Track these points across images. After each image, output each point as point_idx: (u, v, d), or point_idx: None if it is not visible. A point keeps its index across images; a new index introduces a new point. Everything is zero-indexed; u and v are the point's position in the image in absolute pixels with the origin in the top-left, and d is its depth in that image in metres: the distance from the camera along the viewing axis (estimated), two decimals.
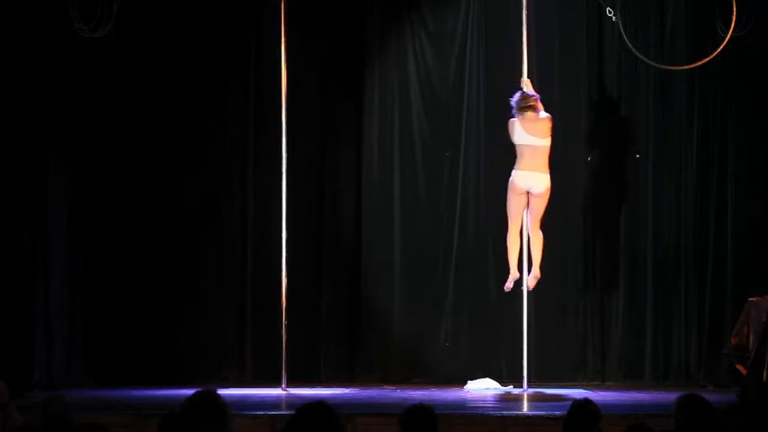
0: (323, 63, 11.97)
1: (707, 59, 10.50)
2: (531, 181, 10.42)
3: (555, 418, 7.83)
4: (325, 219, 11.95)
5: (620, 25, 10.76)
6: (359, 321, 11.92)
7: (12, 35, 10.65)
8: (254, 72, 11.89)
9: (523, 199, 10.45)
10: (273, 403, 9.85)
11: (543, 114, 10.44)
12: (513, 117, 10.44)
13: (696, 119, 11.38)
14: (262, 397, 10.07)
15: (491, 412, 8.97)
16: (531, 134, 10.39)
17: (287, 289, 10.82)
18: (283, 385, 10.65)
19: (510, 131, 10.45)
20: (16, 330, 10.68)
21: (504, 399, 10.22)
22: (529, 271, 10.52)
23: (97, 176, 11.48)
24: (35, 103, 10.87)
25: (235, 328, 11.84)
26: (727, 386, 10.63)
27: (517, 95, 10.45)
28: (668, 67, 11.05)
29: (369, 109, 12.00)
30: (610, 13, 10.87)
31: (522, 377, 10.48)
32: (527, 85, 10.53)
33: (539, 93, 10.92)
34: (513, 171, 10.43)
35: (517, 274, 10.49)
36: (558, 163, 11.55)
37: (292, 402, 9.66)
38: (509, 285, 10.53)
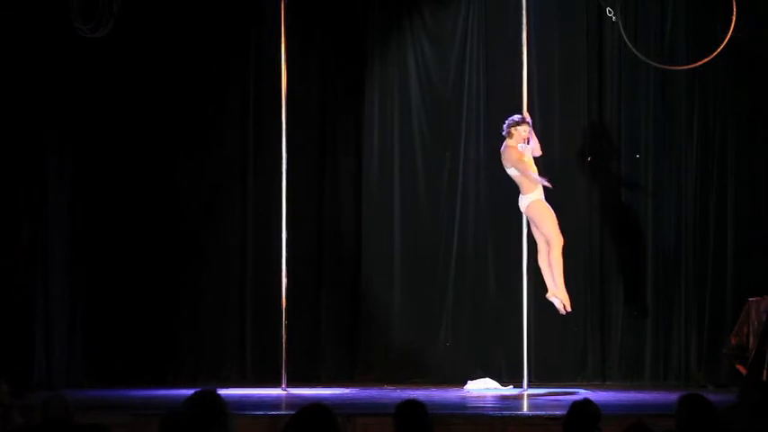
0: (323, 63, 11.99)
1: (707, 59, 10.50)
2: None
3: (555, 418, 7.83)
4: (325, 219, 11.95)
5: (620, 25, 10.76)
6: (359, 321, 11.93)
7: (12, 35, 10.65)
8: (254, 72, 11.90)
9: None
10: (273, 403, 9.86)
11: (505, 143, 10.40)
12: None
13: (696, 119, 11.38)
14: (262, 397, 10.07)
15: (491, 412, 8.97)
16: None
17: (287, 289, 10.82)
18: (283, 385, 10.65)
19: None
20: (16, 331, 10.68)
21: (504, 399, 10.22)
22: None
23: (97, 176, 11.49)
24: (35, 104, 10.88)
25: (235, 328, 11.85)
26: (727, 386, 10.63)
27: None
28: (668, 67, 11.05)
29: (369, 109, 12.01)
30: (610, 13, 10.87)
31: (522, 377, 10.48)
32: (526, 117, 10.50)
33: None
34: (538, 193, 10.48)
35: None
36: (558, 163, 11.58)
37: (292, 402, 9.66)
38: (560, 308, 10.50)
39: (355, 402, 9.67)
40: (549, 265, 10.32)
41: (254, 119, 11.91)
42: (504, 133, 10.35)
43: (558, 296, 10.32)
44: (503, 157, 10.34)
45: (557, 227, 10.27)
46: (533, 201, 10.29)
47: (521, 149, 10.34)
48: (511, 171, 10.30)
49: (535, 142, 10.46)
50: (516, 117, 10.38)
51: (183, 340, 11.76)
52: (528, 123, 10.40)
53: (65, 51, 10.88)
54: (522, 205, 10.37)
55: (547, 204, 10.30)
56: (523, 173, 10.22)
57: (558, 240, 10.27)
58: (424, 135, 11.95)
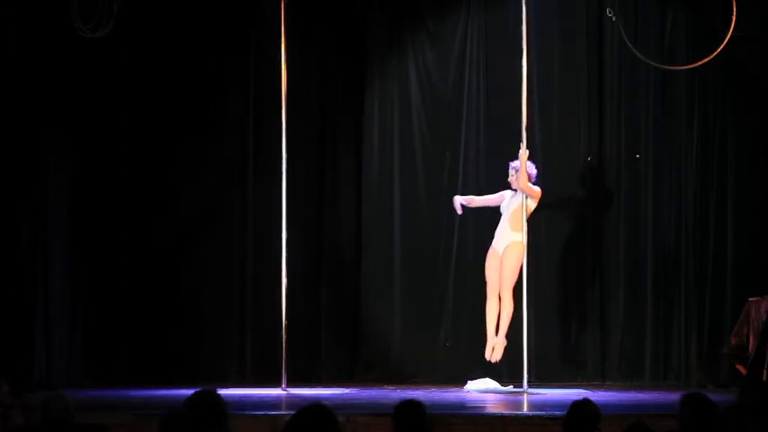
0: (323, 63, 11.99)
1: (707, 59, 10.50)
2: None
3: (555, 418, 7.83)
4: (325, 218, 11.96)
5: (620, 25, 10.76)
6: (359, 321, 11.93)
7: (12, 35, 10.65)
8: (254, 72, 11.90)
9: None
10: (273, 403, 9.84)
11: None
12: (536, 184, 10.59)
13: (696, 119, 11.39)
14: (262, 397, 10.06)
15: (491, 412, 8.96)
16: None
17: (287, 289, 10.81)
18: (283, 385, 10.65)
19: (537, 198, 10.53)
20: (16, 331, 10.67)
21: (504, 399, 10.21)
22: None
23: (97, 176, 11.48)
24: (35, 103, 10.87)
25: (235, 328, 11.85)
26: (727, 386, 10.63)
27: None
28: (668, 67, 11.06)
29: (369, 109, 12.02)
30: (610, 13, 10.88)
31: (522, 377, 10.48)
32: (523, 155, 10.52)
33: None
34: (522, 235, 10.48)
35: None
36: (558, 163, 11.59)
37: (292, 402, 9.65)
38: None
39: (355, 402, 9.66)
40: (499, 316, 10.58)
41: (254, 119, 11.91)
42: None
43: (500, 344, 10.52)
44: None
45: (487, 276, 10.66)
46: None
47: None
48: None
49: (521, 175, 10.49)
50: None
51: (183, 340, 11.75)
52: (511, 166, 10.60)
53: (65, 51, 10.87)
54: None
55: (491, 252, 10.72)
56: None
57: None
58: (424, 135, 11.95)
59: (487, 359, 10.55)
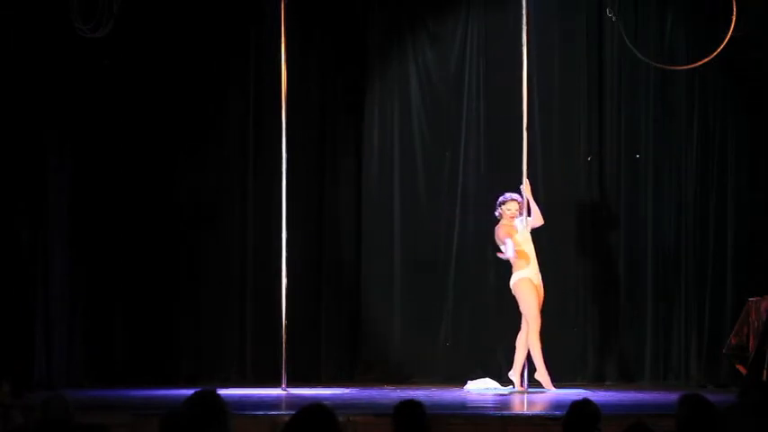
0: (323, 63, 11.99)
1: (707, 59, 10.50)
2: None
3: (555, 418, 7.82)
4: (325, 218, 11.96)
5: (620, 25, 10.76)
6: (359, 321, 11.93)
7: (12, 35, 10.65)
8: (254, 72, 11.90)
9: None
10: (273, 403, 9.85)
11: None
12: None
13: (696, 119, 11.39)
14: (262, 397, 10.07)
15: (491, 412, 8.95)
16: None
17: (287, 289, 10.81)
18: (283, 385, 10.65)
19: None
20: (16, 331, 10.67)
21: (504, 399, 10.21)
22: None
23: (97, 176, 11.48)
24: (35, 103, 10.87)
25: (235, 328, 11.85)
26: (727, 386, 10.63)
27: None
28: (668, 67, 11.06)
29: (369, 109, 12.01)
30: (609, 13, 10.88)
31: (523, 377, 10.47)
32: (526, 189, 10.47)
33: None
34: None
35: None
36: (558, 163, 11.59)
37: (292, 402, 9.66)
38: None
39: (355, 402, 9.66)
40: (525, 346, 10.36)
41: (254, 119, 11.92)
42: (496, 214, 10.48)
43: (540, 378, 10.39)
44: (495, 237, 10.46)
45: (536, 309, 10.31)
46: (519, 278, 10.39)
47: (515, 225, 10.40)
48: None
49: (535, 211, 10.47)
50: (502, 197, 10.50)
51: (183, 340, 11.76)
52: (515, 200, 10.45)
53: (65, 51, 10.87)
54: (510, 281, 10.41)
55: (532, 285, 10.33)
56: (504, 252, 10.29)
57: (534, 322, 10.32)
58: (424, 135, 11.95)
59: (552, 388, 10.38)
